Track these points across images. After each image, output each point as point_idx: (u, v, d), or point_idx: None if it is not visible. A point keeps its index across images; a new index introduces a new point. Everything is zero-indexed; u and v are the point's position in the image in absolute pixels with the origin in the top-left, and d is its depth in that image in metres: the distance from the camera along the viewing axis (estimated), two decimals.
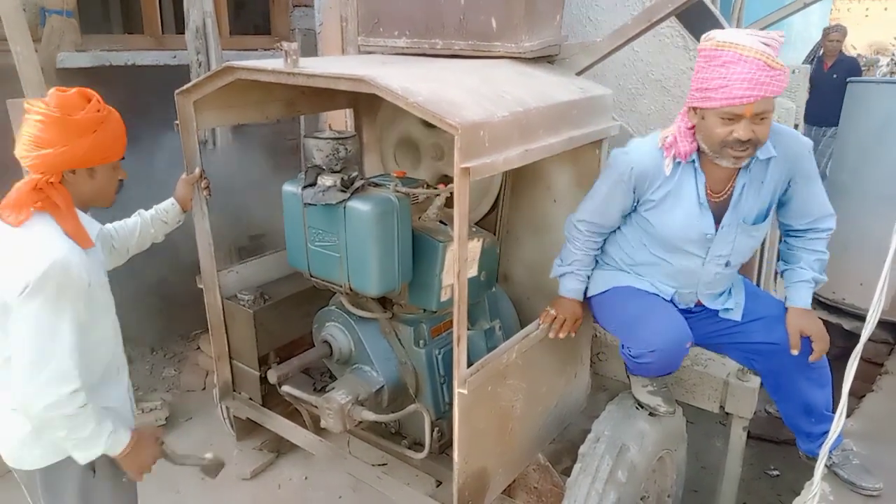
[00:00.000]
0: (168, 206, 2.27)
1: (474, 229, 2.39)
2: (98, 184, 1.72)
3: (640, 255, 2.14)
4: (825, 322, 3.43)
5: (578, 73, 2.39)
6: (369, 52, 2.63)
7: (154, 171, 4.25)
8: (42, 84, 2.87)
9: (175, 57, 3.91)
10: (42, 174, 1.61)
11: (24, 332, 1.56)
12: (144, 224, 2.19)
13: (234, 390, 2.86)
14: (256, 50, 4.52)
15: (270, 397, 2.77)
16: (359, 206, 2.08)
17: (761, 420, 3.58)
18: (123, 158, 1.78)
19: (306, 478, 3.26)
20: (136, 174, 4.27)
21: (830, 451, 2.25)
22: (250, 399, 2.80)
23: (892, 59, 14.15)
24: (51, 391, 1.57)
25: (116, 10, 5.51)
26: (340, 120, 3.36)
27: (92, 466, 1.75)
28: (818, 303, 3.47)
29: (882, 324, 3.24)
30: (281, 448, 3.37)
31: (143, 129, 4.05)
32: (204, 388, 3.89)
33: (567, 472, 2.24)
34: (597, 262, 2.25)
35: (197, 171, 2.40)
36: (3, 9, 2.75)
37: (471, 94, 1.84)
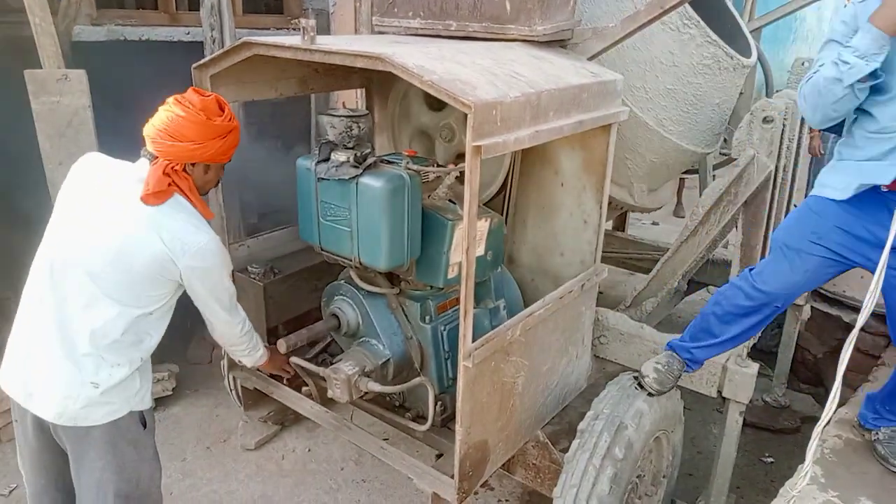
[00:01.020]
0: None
1: (482, 209, 2.43)
2: (208, 178, 2.01)
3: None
4: (825, 314, 3.50)
5: (590, 58, 2.42)
6: (383, 33, 2.67)
7: None
8: (59, 56, 2.91)
9: (189, 33, 3.94)
10: (169, 161, 1.87)
11: (216, 281, 1.98)
12: None
13: None
14: (269, 29, 4.55)
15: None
16: (371, 182, 2.13)
17: (758, 408, 3.64)
18: (230, 161, 2.04)
19: (309, 450, 3.33)
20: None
21: (878, 427, 2.32)
22: (258, 370, 2.86)
23: None
24: (240, 319, 2.17)
25: None
26: (352, 100, 3.40)
27: (143, 420, 1.98)
28: (817, 294, 3.51)
29: (879, 317, 3.27)
30: (285, 420, 3.44)
31: (157, 104, 4.10)
32: (210, 362, 3.96)
33: (566, 452, 2.30)
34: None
35: None
36: None
37: (484, 75, 1.88)
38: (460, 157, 2.96)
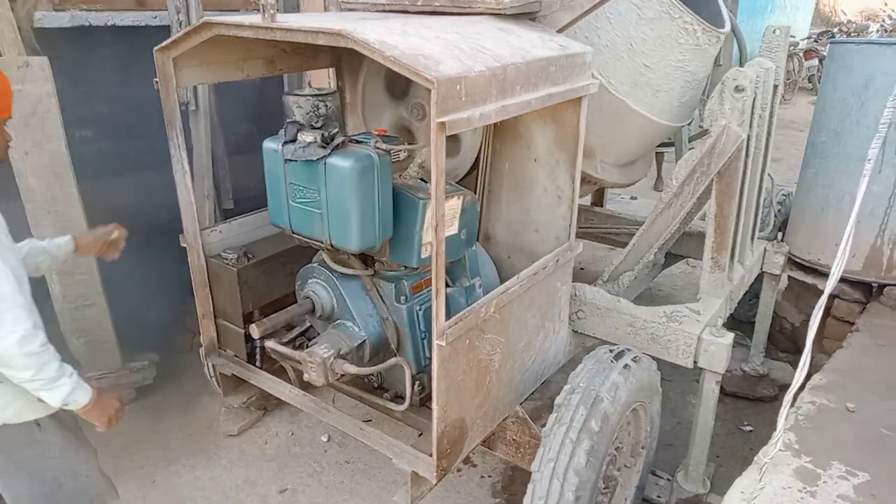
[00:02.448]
0: (63, 242, 2.22)
1: (454, 187, 2.41)
2: None
3: None
4: (801, 283, 3.53)
5: (559, 31, 2.39)
6: (351, 10, 2.62)
7: (137, 130, 4.23)
8: (19, 43, 2.84)
9: (156, 18, 3.86)
10: None
11: None
12: (34, 251, 2.15)
13: (220, 348, 2.91)
14: (237, 10, 4.46)
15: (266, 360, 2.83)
16: (339, 162, 2.10)
17: (737, 378, 3.68)
18: (10, 118, 1.93)
19: (292, 433, 3.34)
20: (120, 133, 4.26)
21: None
22: (235, 356, 2.85)
23: (881, 26, 14.12)
24: (17, 327, 1.67)
25: None
26: (324, 80, 3.35)
27: (35, 421, 1.86)
28: (793, 263, 3.54)
29: (854, 283, 3.31)
30: (267, 406, 3.44)
31: (124, 90, 4.03)
32: (191, 349, 3.94)
33: None
34: None
35: (113, 231, 2.34)
36: None
37: (448, 49, 1.85)
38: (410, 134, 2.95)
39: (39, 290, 3.19)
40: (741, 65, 3.09)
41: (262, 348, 2.71)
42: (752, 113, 2.69)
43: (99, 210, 3.87)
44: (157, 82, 2.35)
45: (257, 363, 2.84)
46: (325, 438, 3.30)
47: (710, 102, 2.66)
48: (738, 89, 2.57)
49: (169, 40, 2.28)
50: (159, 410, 3.50)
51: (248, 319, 2.75)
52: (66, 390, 1.80)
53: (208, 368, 3.01)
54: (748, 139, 2.72)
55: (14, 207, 3.18)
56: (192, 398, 3.59)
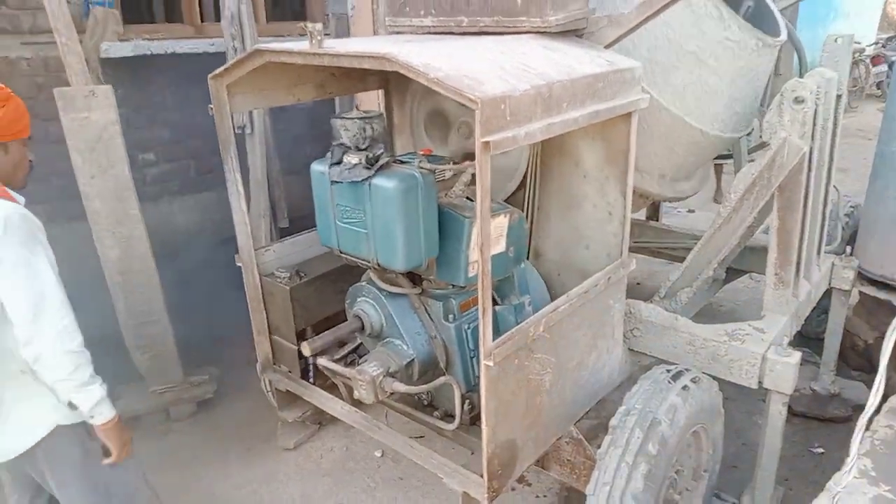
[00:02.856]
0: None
1: (501, 205, 2.39)
2: (11, 159, 1.87)
3: None
4: (874, 299, 3.34)
5: (607, 46, 2.35)
6: (398, 33, 2.65)
7: (196, 152, 4.40)
8: (87, 73, 3.00)
9: (213, 45, 4.02)
10: None
11: (11, 278, 1.68)
12: None
13: (275, 364, 2.97)
14: (292, 35, 4.60)
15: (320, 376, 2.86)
16: (383, 182, 2.12)
17: (806, 397, 3.51)
18: (30, 138, 1.94)
19: (347, 448, 3.36)
20: (180, 156, 4.42)
21: None
22: (289, 372, 2.90)
23: None
24: (56, 322, 1.72)
25: (157, 0, 5.69)
26: (373, 102, 3.40)
27: (84, 423, 1.91)
28: (864, 278, 3.36)
29: None
30: (322, 421, 3.48)
31: (185, 116, 4.21)
32: (249, 365, 4.03)
33: None
34: None
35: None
36: (48, 2, 2.88)
37: (493, 69, 1.85)
38: (467, 156, 2.94)
39: (104, 303, 3.37)
40: (801, 75, 2.98)
41: (316, 365, 2.75)
42: (814, 124, 2.57)
43: (162, 228, 4.04)
44: (211, 109, 2.44)
45: (311, 379, 2.88)
46: (378, 454, 3.32)
47: (768, 114, 2.56)
48: (797, 101, 2.47)
49: (222, 68, 2.36)
50: (218, 425, 3.59)
51: (300, 336, 2.80)
52: (97, 397, 1.83)
53: (264, 384, 3.08)
54: (810, 151, 2.60)
55: (81, 228, 3.36)
56: (250, 413, 3.67)
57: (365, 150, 2.20)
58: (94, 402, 1.84)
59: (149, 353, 3.43)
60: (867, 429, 2.23)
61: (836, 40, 2.76)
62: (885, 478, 2.09)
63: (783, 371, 2.44)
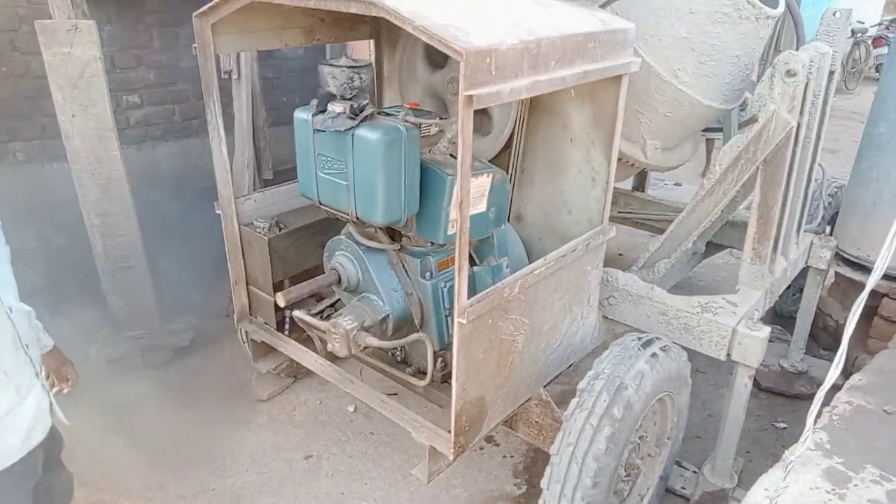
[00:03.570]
0: (45, 342, 2.06)
1: (484, 164, 2.37)
2: None
3: None
4: (849, 280, 3.37)
5: (601, 6, 2.31)
6: None
7: (181, 97, 4.31)
8: (70, 7, 2.90)
9: None
10: None
11: None
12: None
13: (252, 315, 2.96)
14: None
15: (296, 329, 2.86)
16: (366, 133, 2.09)
17: (773, 373, 3.57)
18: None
19: (320, 402, 3.39)
20: (165, 99, 4.34)
21: None
22: (265, 323, 2.90)
23: None
24: None
25: None
26: (364, 51, 3.33)
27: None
28: (841, 259, 3.38)
29: None
30: (297, 374, 3.50)
31: (171, 58, 4.12)
32: (227, 315, 4.03)
33: None
34: None
35: (70, 371, 2.12)
36: None
37: (481, 21, 1.81)
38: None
39: (82, 247, 3.33)
40: (797, 47, 2.95)
41: (292, 317, 2.75)
42: (804, 99, 2.56)
43: (144, 173, 3.98)
44: (195, 48, 2.38)
45: (286, 332, 2.88)
46: (351, 409, 3.35)
47: (759, 86, 2.54)
48: (789, 73, 2.45)
49: (207, 6, 2.30)
50: (195, 373, 3.60)
51: (278, 288, 2.78)
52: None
53: (240, 334, 3.08)
54: (798, 126, 2.59)
55: (62, 168, 3.30)
56: (226, 362, 3.68)
57: (350, 99, 2.17)
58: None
59: (125, 299, 3.41)
60: (827, 403, 2.27)
61: (834, 14, 2.73)
62: (838, 451, 2.14)
63: (751, 345, 2.48)
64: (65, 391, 2.06)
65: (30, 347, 1.87)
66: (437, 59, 2.99)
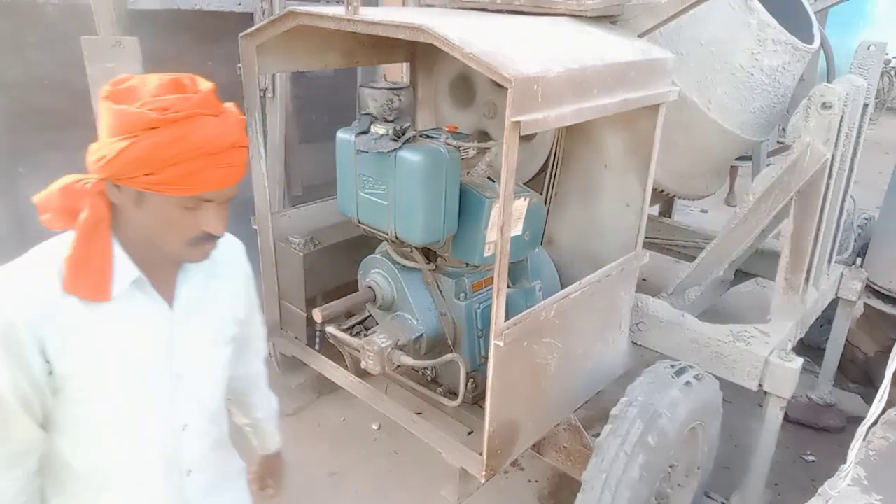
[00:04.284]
0: (270, 441, 1.80)
1: (521, 188, 2.40)
2: (148, 220, 1.13)
3: None
4: (879, 312, 3.34)
5: (640, 35, 2.34)
6: (430, 6, 2.64)
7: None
8: (114, 23, 2.98)
9: (240, 4, 3.99)
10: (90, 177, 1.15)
11: None
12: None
13: (282, 329, 2.99)
14: (319, 1, 4.57)
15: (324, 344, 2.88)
16: (409, 155, 2.12)
17: (802, 405, 3.53)
18: (210, 200, 1.14)
19: (344, 419, 3.39)
20: None
21: None
22: (296, 338, 2.92)
23: None
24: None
25: None
26: (397, 74, 3.38)
27: None
28: (871, 290, 3.36)
29: None
30: (322, 390, 3.51)
31: (205, 73, 4.19)
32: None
33: (598, 437, 2.27)
34: None
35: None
36: None
37: (527, 49, 1.84)
38: (483, 135, 2.94)
39: None
40: (829, 81, 2.96)
41: (322, 333, 2.77)
42: (839, 132, 2.57)
43: None
44: (240, 68, 2.43)
45: (316, 347, 2.90)
46: (375, 426, 3.35)
47: (794, 118, 2.55)
48: (825, 106, 2.46)
49: (254, 27, 2.35)
50: None
51: (310, 303, 2.81)
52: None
53: (269, 348, 3.10)
54: (832, 159, 2.60)
55: None
56: None
57: (392, 121, 2.20)
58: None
59: None
60: (864, 438, 2.25)
61: (868, 48, 2.74)
62: (876, 487, 2.11)
63: (784, 375, 2.46)
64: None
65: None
66: (472, 87, 3.02)
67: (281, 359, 3.02)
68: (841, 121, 2.56)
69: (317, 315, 2.35)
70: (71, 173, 1.18)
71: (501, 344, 1.93)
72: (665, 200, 4.10)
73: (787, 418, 3.43)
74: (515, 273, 2.56)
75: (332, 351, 2.90)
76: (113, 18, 2.98)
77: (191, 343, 1.28)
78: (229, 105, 1.19)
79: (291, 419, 3.36)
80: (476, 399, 2.54)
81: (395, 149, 2.12)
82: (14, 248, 1.21)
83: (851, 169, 2.96)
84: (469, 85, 2.97)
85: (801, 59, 2.78)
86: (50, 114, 3.65)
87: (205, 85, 1.15)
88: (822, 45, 3.04)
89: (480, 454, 2.13)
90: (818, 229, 2.74)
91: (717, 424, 2.54)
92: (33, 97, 3.59)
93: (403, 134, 2.15)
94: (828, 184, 2.67)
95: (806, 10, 3.05)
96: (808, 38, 2.80)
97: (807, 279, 2.81)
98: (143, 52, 3.07)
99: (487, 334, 2.42)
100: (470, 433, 2.50)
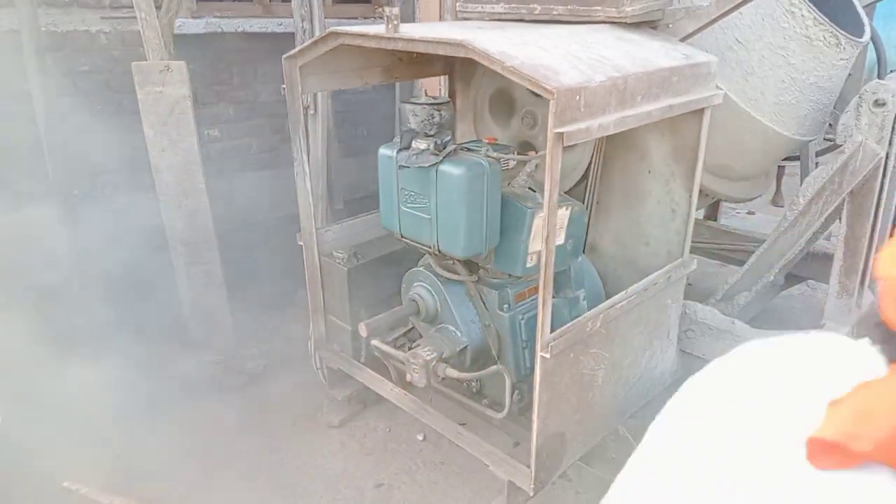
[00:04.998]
0: None
1: (563, 197, 2.38)
2: None
3: None
4: None
5: (682, 40, 2.31)
6: (467, 19, 2.66)
7: (255, 131, 4.50)
8: (163, 48, 3.09)
9: (281, 24, 4.09)
10: None
11: None
12: None
13: (328, 342, 3.03)
14: (357, 18, 4.64)
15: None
16: (450, 169, 2.13)
17: None
18: None
19: (389, 430, 3.41)
20: (243, 133, 4.53)
21: None
22: (342, 351, 2.96)
23: None
24: None
25: None
26: (435, 88, 3.41)
27: None
28: None
29: None
30: (367, 400, 3.54)
31: (249, 94, 4.31)
32: (301, 341, 4.13)
33: None
34: None
35: None
36: None
37: (568, 59, 1.84)
38: (524, 145, 2.93)
39: (162, 273, 3.48)
40: (879, 75, 2.87)
41: (367, 345, 2.80)
42: (893, 130, 2.48)
43: (220, 203, 4.15)
44: (284, 89, 2.48)
45: (361, 359, 2.93)
46: (420, 437, 3.35)
47: (844, 116, 2.48)
48: (877, 103, 2.39)
49: (297, 49, 2.40)
50: (267, 399, 3.68)
51: (354, 317, 2.84)
52: None
53: (315, 361, 3.15)
54: (886, 157, 2.51)
55: (144, 199, 3.48)
56: (298, 387, 3.75)
57: (433, 136, 2.22)
58: None
59: (205, 324, 3.54)
60: None
61: None
62: None
63: None
64: None
65: None
66: (511, 98, 3.02)
67: (327, 372, 3.06)
68: (895, 118, 2.48)
69: (362, 329, 2.37)
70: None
71: (548, 355, 1.92)
72: (710, 203, 4.02)
73: None
74: (559, 283, 2.54)
75: (376, 363, 2.93)
76: (161, 44, 3.09)
77: None
78: None
79: (337, 430, 3.39)
80: (522, 410, 2.53)
81: (436, 163, 2.14)
82: None
83: None
84: (508, 95, 2.97)
85: (850, 52, 2.70)
86: (98, 137, 3.80)
87: None
88: (872, 38, 2.94)
89: (528, 467, 2.12)
90: (873, 230, 2.65)
91: None
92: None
93: (444, 148, 2.16)
94: (882, 183, 2.59)
95: (852, 2, 2.97)
96: (856, 31, 2.72)
97: (862, 282, 2.72)
98: (189, 75, 3.18)
99: (532, 345, 2.42)
100: (516, 445, 2.49)
